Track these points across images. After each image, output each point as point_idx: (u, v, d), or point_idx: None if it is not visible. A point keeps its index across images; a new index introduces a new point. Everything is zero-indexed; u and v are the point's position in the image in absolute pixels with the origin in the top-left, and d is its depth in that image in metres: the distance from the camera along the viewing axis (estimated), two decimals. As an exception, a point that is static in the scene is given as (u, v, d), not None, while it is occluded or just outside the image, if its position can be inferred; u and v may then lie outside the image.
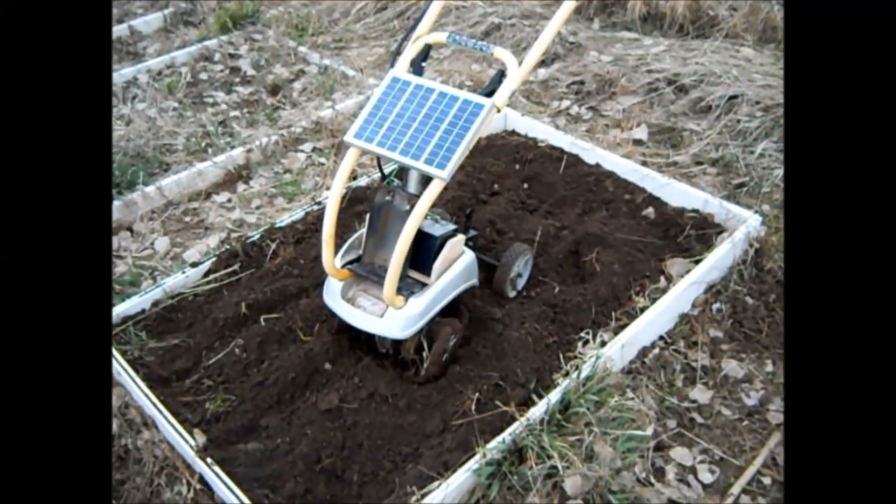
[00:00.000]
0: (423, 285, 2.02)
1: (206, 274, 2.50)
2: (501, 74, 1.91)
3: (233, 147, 3.29)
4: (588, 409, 1.91)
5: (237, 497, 1.76)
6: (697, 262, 2.41)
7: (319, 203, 2.83)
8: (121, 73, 3.91)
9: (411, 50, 2.05)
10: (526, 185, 2.93)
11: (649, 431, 1.99)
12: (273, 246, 2.60)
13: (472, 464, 1.79)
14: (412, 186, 2.00)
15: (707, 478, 1.94)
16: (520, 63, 1.90)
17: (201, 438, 1.92)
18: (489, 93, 1.90)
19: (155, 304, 2.39)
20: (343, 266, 2.05)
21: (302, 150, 3.33)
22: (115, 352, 2.14)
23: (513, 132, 3.31)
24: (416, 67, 2.04)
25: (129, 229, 2.87)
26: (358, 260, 2.09)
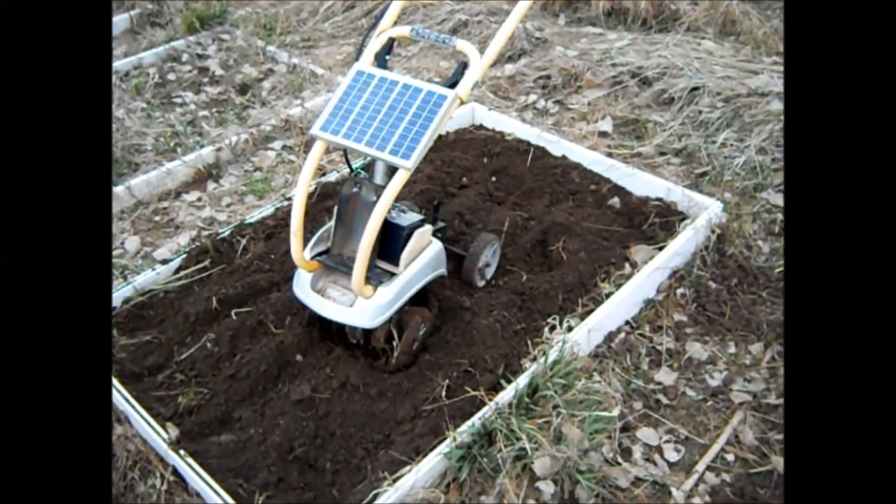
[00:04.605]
0: (392, 275, 2.05)
1: (177, 271, 2.51)
2: (464, 66, 1.95)
3: (202, 146, 3.28)
4: (556, 392, 1.95)
5: (211, 487, 1.77)
6: (661, 248, 2.47)
7: (289, 199, 2.85)
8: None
9: (375, 44, 2.08)
10: (494, 178, 2.97)
11: (616, 413, 2.03)
12: (243, 242, 2.61)
13: (443, 448, 1.82)
14: (379, 177, 2.03)
15: (673, 456, 1.99)
16: (481, 55, 1.94)
17: (174, 431, 1.93)
18: (452, 84, 1.93)
19: (125, 301, 2.39)
20: (312, 258, 2.08)
21: (272, 149, 3.34)
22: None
23: (480, 126, 3.34)
24: (380, 61, 2.07)
25: (99, 229, 2.86)
26: (327, 252, 2.11)
